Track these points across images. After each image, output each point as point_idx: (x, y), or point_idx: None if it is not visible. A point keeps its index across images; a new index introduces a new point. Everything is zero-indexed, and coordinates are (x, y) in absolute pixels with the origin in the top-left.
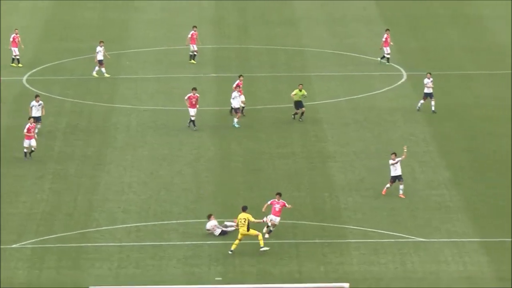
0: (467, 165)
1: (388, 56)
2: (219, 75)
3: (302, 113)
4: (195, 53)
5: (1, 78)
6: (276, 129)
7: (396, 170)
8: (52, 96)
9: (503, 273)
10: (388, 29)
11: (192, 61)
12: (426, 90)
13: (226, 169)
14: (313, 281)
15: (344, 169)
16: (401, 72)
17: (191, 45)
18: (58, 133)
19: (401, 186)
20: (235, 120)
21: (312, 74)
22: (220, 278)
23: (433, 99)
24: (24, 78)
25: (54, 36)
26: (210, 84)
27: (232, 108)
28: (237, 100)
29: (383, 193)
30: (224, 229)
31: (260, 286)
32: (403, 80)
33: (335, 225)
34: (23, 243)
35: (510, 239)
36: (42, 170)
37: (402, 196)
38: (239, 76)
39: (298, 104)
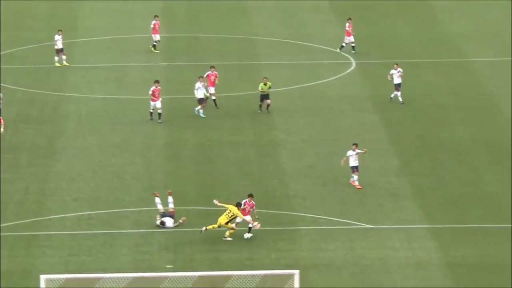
0: (416, 152)
1: (353, 44)
2: (170, 64)
3: (268, 105)
4: (157, 42)
5: None
6: (227, 117)
7: (355, 161)
8: (4, 85)
9: (450, 259)
10: (350, 18)
11: (155, 50)
12: (395, 81)
13: (177, 157)
14: (263, 268)
15: (293, 156)
16: (350, 60)
17: (153, 34)
18: (9, 122)
19: (356, 177)
20: (200, 110)
21: (263, 62)
22: (171, 266)
23: (399, 90)
24: None
25: (5, 25)
26: (161, 73)
27: (198, 98)
28: (200, 91)
29: (350, 183)
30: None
31: (211, 274)
32: (352, 68)
33: (285, 212)
34: None
35: (458, 225)
36: None
37: (358, 187)
38: (210, 67)
39: (265, 97)
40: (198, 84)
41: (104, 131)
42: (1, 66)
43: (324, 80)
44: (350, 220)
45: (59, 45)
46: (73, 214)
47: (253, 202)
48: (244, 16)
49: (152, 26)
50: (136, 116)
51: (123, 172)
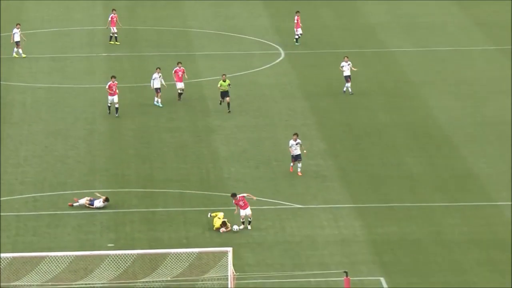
0: (342, 137)
1: (299, 36)
2: (109, 55)
3: (228, 103)
4: (115, 34)
5: None
6: (165, 105)
7: (296, 150)
8: None
9: (374, 236)
10: (298, 11)
11: (115, 42)
12: (345, 73)
13: (118, 142)
14: (199, 246)
15: (227, 141)
16: (279, 51)
17: (111, 27)
18: None
19: (299, 165)
20: (158, 99)
21: (197, 53)
22: (112, 244)
23: (349, 81)
24: None
25: None
26: (101, 63)
27: (155, 88)
28: (157, 81)
29: (290, 170)
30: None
31: (150, 252)
32: (281, 58)
33: (220, 193)
34: None
35: (381, 205)
36: None
37: (300, 174)
38: (178, 63)
39: (224, 94)
40: (155, 75)
41: (48, 118)
42: None
43: (256, 70)
44: (281, 201)
45: (16, 38)
46: (19, 196)
47: (241, 196)
48: (179, 9)
49: (109, 19)
50: (78, 104)
51: (66, 157)
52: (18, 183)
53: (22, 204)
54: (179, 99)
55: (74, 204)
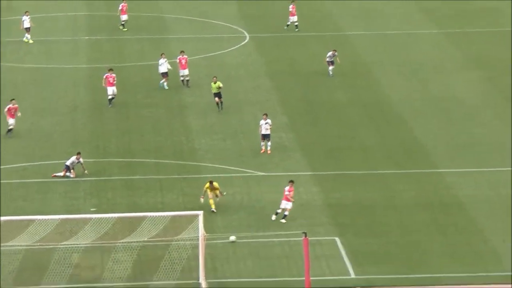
0: (302, 112)
1: (296, 23)
2: (90, 38)
3: (221, 103)
4: (124, 22)
5: None
6: (142, 83)
7: (266, 130)
8: None
9: (331, 200)
10: (293, 0)
11: (124, 28)
12: (328, 59)
13: (100, 118)
14: (173, 210)
15: (198, 116)
16: (245, 34)
17: (121, 15)
18: None
19: (268, 143)
20: (164, 83)
21: (171, 36)
22: (95, 209)
23: (333, 66)
24: None
25: None
26: (84, 46)
27: (161, 73)
28: (163, 66)
29: (262, 152)
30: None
31: (128, 215)
32: (246, 41)
33: (191, 163)
34: None
35: (337, 172)
36: None
37: (269, 152)
38: (181, 52)
39: (217, 95)
40: (161, 60)
41: (35, 96)
42: None
43: (224, 51)
44: (246, 169)
45: (26, 24)
46: (10, 166)
47: (293, 188)
48: None
49: (120, 8)
50: (62, 83)
51: (52, 131)
52: (9, 153)
53: (13, 173)
54: (187, 86)
55: (57, 174)
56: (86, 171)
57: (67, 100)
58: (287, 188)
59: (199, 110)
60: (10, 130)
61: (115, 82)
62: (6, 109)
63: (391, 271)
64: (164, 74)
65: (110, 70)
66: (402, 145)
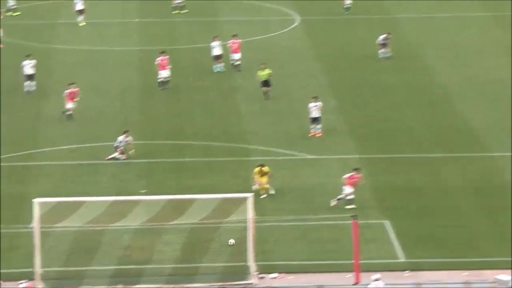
0: (351, 95)
1: (349, 6)
2: (141, 20)
3: (269, 92)
4: (182, 4)
5: None
6: (193, 66)
7: (314, 112)
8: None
9: (379, 183)
10: None
11: (179, 11)
12: (380, 42)
13: (150, 100)
14: (222, 193)
15: (248, 99)
16: (295, 17)
17: (175, 2)
18: (9, 67)
19: (318, 126)
20: (219, 65)
21: (221, 19)
22: (145, 191)
23: (387, 48)
24: None
25: None
26: (135, 28)
27: (214, 56)
28: (216, 49)
29: (310, 135)
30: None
31: (178, 197)
32: (296, 24)
33: (241, 145)
34: None
35: (384, 156)
36: None
37: (319, 134)
38: (233, 36)
39: (265, 83)
40: (214, 43)
41: (87, 77)
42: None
43: (274, 34)
44: (295, 152)
45: (78, 6)
46: (62, 147)
47: (360, 175)
48: None
49: None
50: (113, 65)
51: (103, 113)
52: (60, 135)
53: (64, 155)
54: (238, 70)
55: (111, 156)
56: (132, 151)
57: (117, 83)
58: (352, 174)
59: (249, 93)
60: (69, 114)
61: (168, 65)
62: (66, 93)
63: (440, 255)
64: (217, 57)
65: (163, 52)
66: (450, 128)
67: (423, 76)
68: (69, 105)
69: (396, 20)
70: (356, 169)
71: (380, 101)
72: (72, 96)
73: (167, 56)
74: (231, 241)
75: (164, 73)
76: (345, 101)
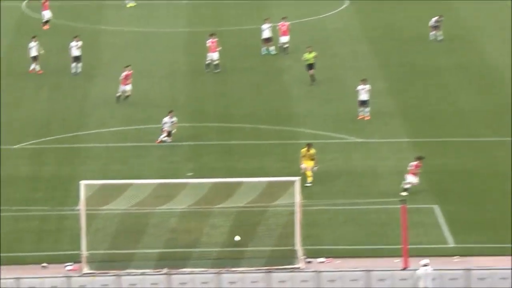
0: (401, 77)
1: None
2: (189, 2)
3: (311, 75)
4: None
5: None
6: (239, 49)
7: (364, 95)
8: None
9: (429, 167)
10: None
11: None
12: (432, 24)
13: (197, 81)
14: (270, 176)
15: (295, 82)
16: None
17: None
18: (54, 51)
19: (366, 109)
20: (269, 48)
21: (270, 1)
22: (192, 173)
23: (438, 30)
24: None
25: None
26: (183, 10)
27: (264, 38)
28: (266, 32)
29: (359, 118)
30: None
31: (226, 180)
32: (346, 5)
33: (289, 128)
34: (24, 144)
35: (435, 139)
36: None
37: (368, 117)
38: (282, 18)
39: (310, 66)
40: (264, 26)
41: (134, 59)
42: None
43: (324, 15)
44: (344, 135)
45: None
46: (108, 129)
47: (421, 164)
48: None
49: None
50: (160, 47)
51: (150, 94)
52: (109, 117)
53: (111, 136)
54: (286, 52)
55: (159, 139)
56: (174, 130)
57: (165, 64)
58: (417, 163)
59: (296, 75)
60: (127, 96)
61: (217, 47)
62: (123, 76)
63: (490, 240)
64: (267, 40)
65: (212, 35)
66: (503, 111)
67: (475, 58)
68: (127, 87)
69: (448, 2)
70: (419, 158)
71: (430, 83)
72: (127, 78)
73: (217, 38)
74: (237, 237)
75: (214, 55)
76: (395, 83)
